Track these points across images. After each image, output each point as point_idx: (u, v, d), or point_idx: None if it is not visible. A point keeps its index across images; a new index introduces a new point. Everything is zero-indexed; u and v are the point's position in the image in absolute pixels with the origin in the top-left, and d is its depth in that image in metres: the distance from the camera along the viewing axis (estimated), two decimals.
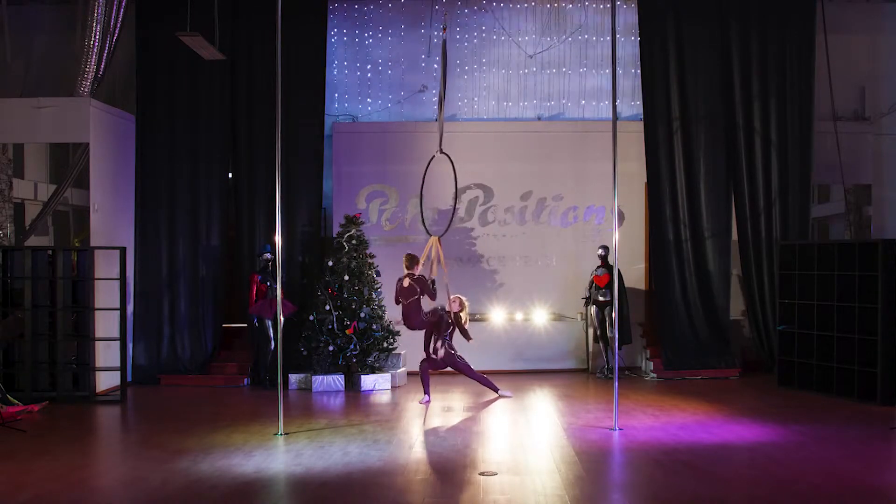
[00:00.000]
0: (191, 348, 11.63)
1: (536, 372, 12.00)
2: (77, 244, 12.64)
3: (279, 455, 7.29)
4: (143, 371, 11.45)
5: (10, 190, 11.99)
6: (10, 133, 11.13)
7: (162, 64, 11.69)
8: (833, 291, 10.02)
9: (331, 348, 10.75)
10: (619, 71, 11.92)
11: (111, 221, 11.22)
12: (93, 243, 10.62)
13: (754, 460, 7.08)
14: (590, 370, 12.06)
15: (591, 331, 11.97)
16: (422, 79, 12.77)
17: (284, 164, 10.27)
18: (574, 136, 12.46)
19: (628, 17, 12.44)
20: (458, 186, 10.79)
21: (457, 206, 11.40)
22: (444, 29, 10.66)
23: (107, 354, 10.47)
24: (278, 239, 8.34)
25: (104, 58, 11.26)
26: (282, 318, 8.47)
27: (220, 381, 11.37)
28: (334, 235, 11.43)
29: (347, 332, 10.75)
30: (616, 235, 8.54)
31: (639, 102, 12.19)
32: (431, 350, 9.99)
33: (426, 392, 9.94)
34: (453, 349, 10.03)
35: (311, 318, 10.88)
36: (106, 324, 10.50)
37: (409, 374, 11.17)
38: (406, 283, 9.91)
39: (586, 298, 11.85)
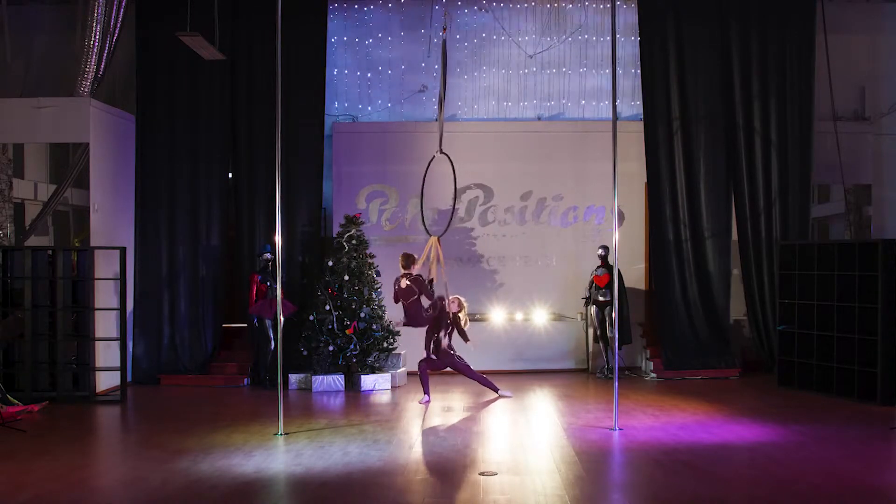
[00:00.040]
0: (191, 348, 11.62)
1: (536, 372, 12.00)
2: (77, 244, 12.64)
3: (279, 455, 7.29)
4: (143, 371, 11.45)
5: (10, 190, 11.99)
6: (10, 133, 11.13)
7: (162, 64, 11.69)
8: (833, 291, 10.02)
9: (331, 348, 10.75)
10: (619, 71, 11.91)
11: (111, 221, 11.22)
12: (93, 243, 10.62)
13: (754, 460, 7.08)
14: (590, 370, 12.06)
15: (591, 331, 11.96)
16: (422, 79, 12.76)
17: (284, 164, 10.27)
18: (574, 136, 12.46)
19: (628, 17, 12.43)
20: (458, 186, 10.79)
21: (457, 206, 11.40)
22: (445, 29, 10.65)
23: (107, 354, 10.48)
24: (278, 239, 8.34)
25: (104, 58, 11.26)
26: (282, 318, 8.47)
27: (220, 381, 11.37)
28: (334, 235, 11.43)
29: (347, 332, 10.74)
30: (616, 235, 8.54)
31: (639, 102, 12.19)
32: (434, 344, 9.98)
33: (426, 392, 9.94)
34: (452, 349, 10.04)
35: (311, 318, 10.88)
36: (106, 324, 10.51)
37: (409, 374, 11.16)
38: (403, 283, 9.82)
39: (586, 298, 11.85)
